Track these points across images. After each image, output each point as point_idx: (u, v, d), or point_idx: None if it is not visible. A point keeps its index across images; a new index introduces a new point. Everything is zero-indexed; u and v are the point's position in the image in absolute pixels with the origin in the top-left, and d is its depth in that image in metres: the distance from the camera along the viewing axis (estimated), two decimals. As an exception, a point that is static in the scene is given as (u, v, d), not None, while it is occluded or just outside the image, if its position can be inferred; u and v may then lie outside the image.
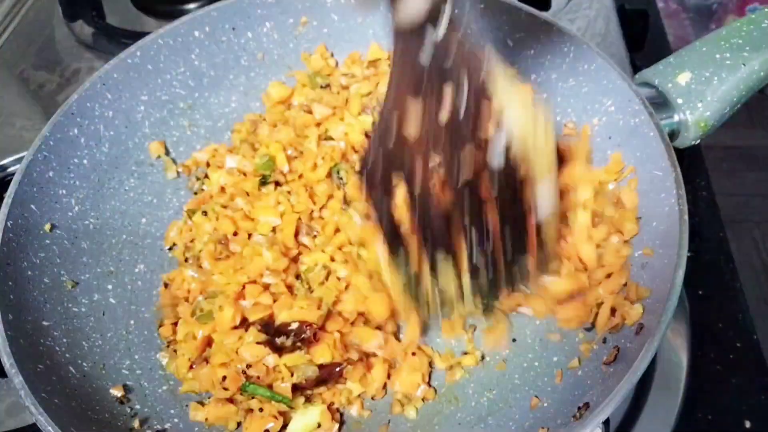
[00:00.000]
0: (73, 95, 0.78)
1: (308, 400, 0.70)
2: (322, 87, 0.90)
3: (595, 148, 0.77)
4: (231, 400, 0.69)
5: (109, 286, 0.77)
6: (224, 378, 0.68)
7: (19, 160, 0.81)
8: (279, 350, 0.69)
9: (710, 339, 0.81)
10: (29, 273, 0.70)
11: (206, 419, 0.68)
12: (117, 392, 0.68)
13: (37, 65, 1.19)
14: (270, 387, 0.68)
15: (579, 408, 0.60)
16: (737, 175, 2.33)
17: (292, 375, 0.68)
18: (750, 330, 0.82)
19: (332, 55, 0.92)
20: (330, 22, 0.90)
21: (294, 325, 0.70)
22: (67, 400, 0.63)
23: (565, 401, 0.64)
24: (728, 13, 2.36)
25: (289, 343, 0.69)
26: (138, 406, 0.69)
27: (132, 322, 0.76)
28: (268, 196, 0.80)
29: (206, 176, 0.86)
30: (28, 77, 1.17)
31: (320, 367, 0.69)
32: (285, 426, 0.68)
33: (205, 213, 0.80)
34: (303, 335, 0.69)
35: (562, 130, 0.81)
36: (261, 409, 0.67)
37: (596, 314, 0.69)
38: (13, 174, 0.72)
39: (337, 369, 0.69)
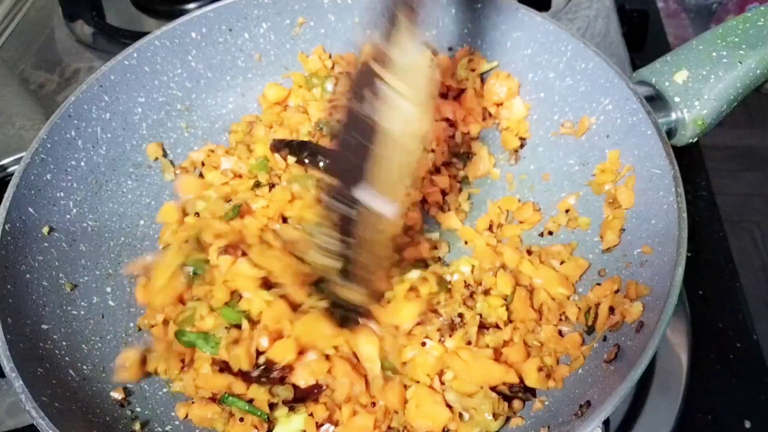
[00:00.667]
0: (69, 97, 0.78)
1: (292, 409, 0.67)
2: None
3: (593, 146, 0.78)
4: (214, 400, 0.68)
5: (108, 289, 0.77)
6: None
7: (18, 160, 0.81)
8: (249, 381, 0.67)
9: (710, 339, 0.81)
10: (28, 276, 0.70)
11: (187, 415, 0.68)
12: (117, 395, 0.68)
13: (37, 65, 1.19)
14: (250, 401, 0.67)
15: (581, 406, 0.60)
16: (737, 175, 2.32)
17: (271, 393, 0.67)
18: (750, 330, 0.82)
19: (330, 56, 0.92)
20: (327, 23, 0.90)
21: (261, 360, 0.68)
22: (68, 404, 0.63)
23: (566, 400, 0.64)
24: (728, 13, 2.36)
25: (257, 374, 0.67)
26: (139, 409, 0.69)
27: (131, 324, 0.76)
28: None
29: (201, 176, 0.85)
30: (28, 77, 1.17)
31: (296, 388, 0.67)
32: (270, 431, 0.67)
33: (197, 215, 0.80)
34: (270, 375, 0.67)
35: (559, 129, 0.81)
36: (242, 419, 0.66)
37: (595, 314, 0.69)
38: (12, 174, 0.72)
39: (315, 391, 0.67)
